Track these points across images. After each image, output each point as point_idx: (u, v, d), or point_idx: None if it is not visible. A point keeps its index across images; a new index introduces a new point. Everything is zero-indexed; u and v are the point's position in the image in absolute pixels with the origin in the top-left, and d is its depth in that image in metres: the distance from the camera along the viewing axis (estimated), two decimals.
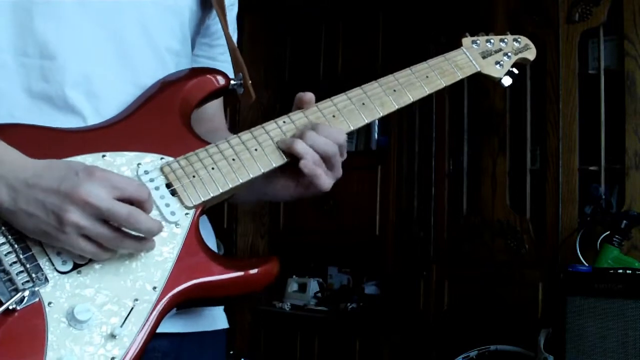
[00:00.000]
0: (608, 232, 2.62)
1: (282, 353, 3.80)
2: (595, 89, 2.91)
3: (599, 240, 2.67)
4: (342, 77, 3.79)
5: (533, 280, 2.96)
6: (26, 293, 0.81)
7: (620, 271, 2.28)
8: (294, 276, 4.00)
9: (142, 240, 0.86)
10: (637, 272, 2.25)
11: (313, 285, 3.91)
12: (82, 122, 0.94)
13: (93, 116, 0.94)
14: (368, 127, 3.55)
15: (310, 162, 0.96)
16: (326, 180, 0.98)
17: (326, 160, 0.98)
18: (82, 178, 0.80)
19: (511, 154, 3.14)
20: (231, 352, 3.59)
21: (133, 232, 0.84)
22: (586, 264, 2.61)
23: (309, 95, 1.02)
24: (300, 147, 0.96)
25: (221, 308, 1.08)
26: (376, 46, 3.68)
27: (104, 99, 0.96)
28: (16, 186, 0.80)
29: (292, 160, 0.98)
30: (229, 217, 3.98)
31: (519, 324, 2.90)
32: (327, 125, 1.00)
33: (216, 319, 1.06)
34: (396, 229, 3.55)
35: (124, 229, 0.83)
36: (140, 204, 0.84)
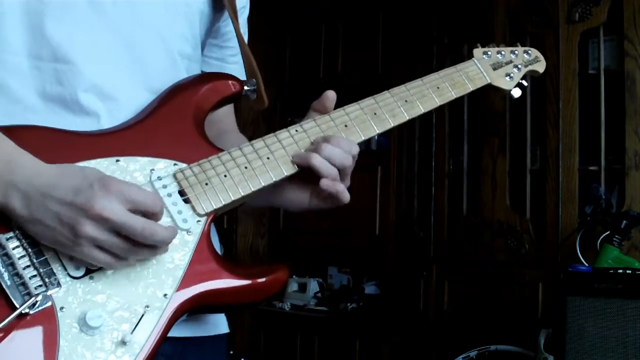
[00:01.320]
0: (608, 232, 2.62)
1: (282, 353, 3.80)
2: (595, 89, 2.91)
3: (599, 240, 2.66)
4: (342, 77, 3.78)
5: (533, 280, 2.97)
6: (39, 297, 0.81)
7: (620, 271, 2.28)
8: (294, 276, 3.99)
9: (157, 249, 0.86)
10: (637, 272, 2.25)
11: (313, 285, 3.91)
12: (96, 123, 0.94)
13: (107, 118, 0.94)
14: None
15: (330, 181, 0.97)
16: (345, 193, 1.00)
17: (342, 172, 0.99)
18: (97, 191, 0.80)
19: (511, 154, 3.14)
20: (231, 352, 3.58)
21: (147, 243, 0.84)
22: (586, 264, 2.61)
23: (331, 93, 1.03)
24: (317, 161, 0.97)
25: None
26: (376, 46, 3.68)
27: (117, 102, 0.96)
28: (30, 194, 0.80)
29: (304, 170, 0.99)
30: (229, 217, 3.97)
31: (519, 324, 2.90)
32: (341, 137, 1.00)
33: (218, 323, 1.07)
34: (396, 229, 3.55)
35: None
36: (153, 216, 0.84)
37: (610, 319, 2.21)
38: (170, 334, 0.88)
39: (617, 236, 2.58)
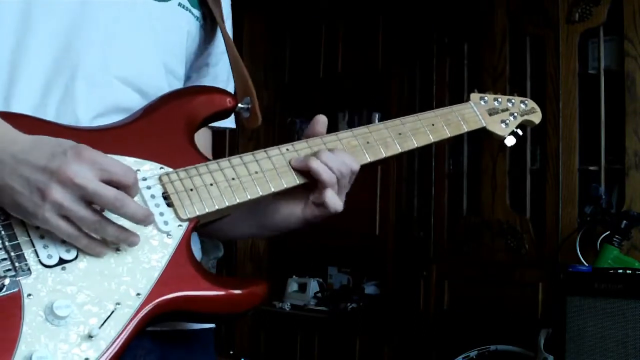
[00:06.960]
0: (608, 232, 2.62)
1: (282, 353, 3.80)
2: (595, 89, 2.90)
3: (599, 240, 2.66)
4: (342, 77, 3.77)
5: (533, 280, 2.96)
6: (6, 281, 0.79)
7: (620, 271, 2.27)
8: (294, 276, 4.00)
9: (125, 231, 0.84)
10: (637, 272, 2.25)
11: (313, 285, 3.92)
12: (83, 111, 0.95)
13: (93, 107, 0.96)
14: None
15: (325, 190, 0.98)
16: (337, 200, 1.00)
17: (338, 182, 0.99)
18: (70, 157, 0.79)
19: (511, 154, 3.14)
20: (231, 352, 3.59)
21: (115, 220, 0.83)
22: (586, 264, 2.60)
23: (322, 117, 1.04)
24: (316, 164, 0.97)
25: None
26: (376, 46, 3.67)
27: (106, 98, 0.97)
28: (4, 160, 0.79)
29: (302, 183, 0.99)
30: None
31: (519, 324, 2.89)
32: (344, 151, 1.01)
33: None
34: (396, 229, 3.55)
35: (107, 214, 0.83)
36: (126, 188, 0.83)
37: (610, 319, 2.21)
38: (152, 328, 0.88)
39: (617, 236, 2.58)
